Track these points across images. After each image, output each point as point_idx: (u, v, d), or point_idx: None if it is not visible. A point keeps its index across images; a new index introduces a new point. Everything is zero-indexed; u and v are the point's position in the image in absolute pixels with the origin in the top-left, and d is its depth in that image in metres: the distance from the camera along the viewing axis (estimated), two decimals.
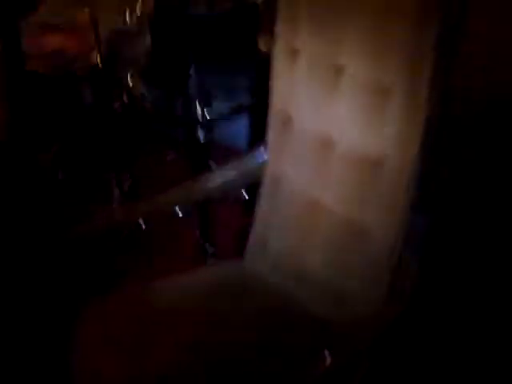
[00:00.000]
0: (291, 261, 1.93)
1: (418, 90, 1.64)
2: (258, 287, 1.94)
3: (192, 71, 2.54)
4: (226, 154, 2.59)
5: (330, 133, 1.84)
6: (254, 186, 2.07)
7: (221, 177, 2.11)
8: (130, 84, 2.65)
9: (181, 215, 1.95)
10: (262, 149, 2.06)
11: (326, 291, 1.83)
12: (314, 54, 1.88)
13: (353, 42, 1.77)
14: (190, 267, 2.06)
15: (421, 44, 1.63)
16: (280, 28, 1.97)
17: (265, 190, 2.05)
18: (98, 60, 2.57)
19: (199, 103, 2.53)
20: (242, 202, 2.22)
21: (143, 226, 1.91)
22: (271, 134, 2.04)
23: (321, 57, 1.85)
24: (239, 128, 2.72)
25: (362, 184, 1.78)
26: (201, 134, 2.58)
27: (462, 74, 1.70)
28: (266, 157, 2.05)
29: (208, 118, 2.56)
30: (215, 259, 2.57)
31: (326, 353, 1.48)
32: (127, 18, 2.62)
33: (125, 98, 2.68)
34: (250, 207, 2.10)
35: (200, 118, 2.54)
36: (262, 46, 2.66)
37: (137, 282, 2.09)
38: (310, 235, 1.89)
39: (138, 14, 2.62)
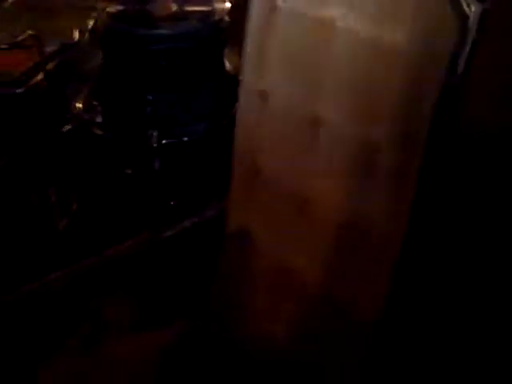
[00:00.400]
0: (258, 333, 1.71)
1: (411, 146, 1.42)
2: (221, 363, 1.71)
3: (150, 95, 2.27)
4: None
5: (305, 190, 1.60)
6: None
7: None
8: (80, 106, 2.38)
9: None
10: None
11: (299, 367, 1.64)
12: (285, 99, 1.63)
13: (332, 89, 1.52)
14: None
15: (416, 95, 1.39)
16: (246, 65, 1.70)
17: (228, 247, 1.79)
18: (43, 79, 2.30)
19: (157, 129, 2.25)
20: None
21: None
22: (235, 184, 1.79)
23: (294, 103, 1.60)
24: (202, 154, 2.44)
25: (341, 252, 1.57)
26: (156, 162, 2.31)
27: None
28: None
29: (165, 144, 2.28)
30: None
31: None
32: (77, 35, 2.35)
33: (74, 121, 2.40)
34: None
35: (156, 144, 2.26)
36: (229, 67, 2.41)
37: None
38: (280, 306, 1.67)
39: (89, 29, 2.34)
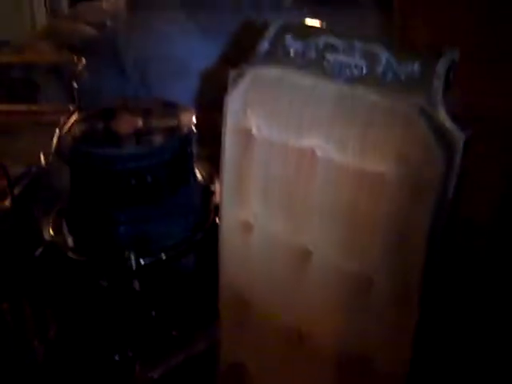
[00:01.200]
0: None
1: (405, 276, 1.37)
2: None
3: (122, 214, 2.20)
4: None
5: (299, 324, 1.55)
6: None
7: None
8: (50, 231, 2.30)
9: None
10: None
11: None
12: (271, 231, 1.57)
13: (317, 220, 1.49)
14: None
15: (405, 224, 1.36)
16: (226, 197, 1.65)
17: (222, 381, 1.72)
18: (10, 205, 2.25)
19: (132, 249, 2.17)
20: None
21: None
22: (223, 317, 1.72)
23: (280, 234, 1.56)
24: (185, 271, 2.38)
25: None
26: (136, 283, 2.23)
27: None
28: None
29: (143, 264, 2.19)
30: None
31: None
32: (42, 157, 2.30)
33: (45, 244, 2.33)
34: None
35: (134, 266, 2.17)
36: (201, 177, 2.37)
37: None
38: None
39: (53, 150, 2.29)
